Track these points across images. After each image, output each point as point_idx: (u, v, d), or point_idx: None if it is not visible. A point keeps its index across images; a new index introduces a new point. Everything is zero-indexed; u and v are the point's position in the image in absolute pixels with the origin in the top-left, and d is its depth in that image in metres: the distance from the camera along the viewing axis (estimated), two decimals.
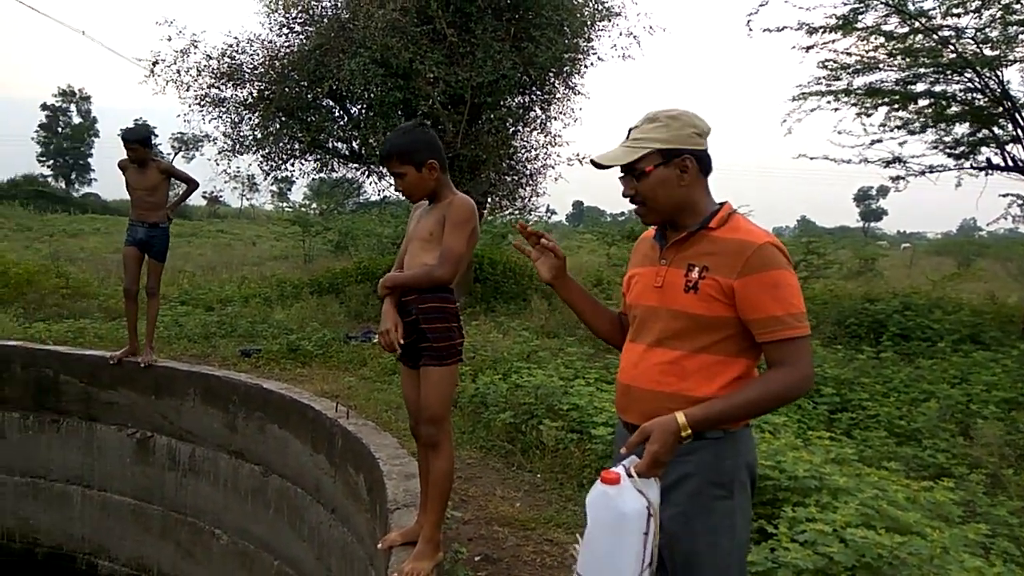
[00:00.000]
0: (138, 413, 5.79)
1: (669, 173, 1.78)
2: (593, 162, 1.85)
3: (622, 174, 1.85)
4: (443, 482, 2.67)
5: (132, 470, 5.80)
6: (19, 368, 6.18)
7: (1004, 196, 10.13)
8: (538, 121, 11.11)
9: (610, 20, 10.27)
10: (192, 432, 5.56)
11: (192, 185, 6.06)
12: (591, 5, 10.27)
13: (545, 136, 11.27)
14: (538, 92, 10.75)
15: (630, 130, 1.86)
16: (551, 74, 10.27)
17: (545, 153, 11.33)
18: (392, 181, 2.76)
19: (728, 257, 1.71)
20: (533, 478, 4.42)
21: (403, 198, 11.09)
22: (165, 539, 5.63)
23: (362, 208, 22.51)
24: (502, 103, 10.29)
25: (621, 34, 10.60)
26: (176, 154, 49.68)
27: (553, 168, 11.44)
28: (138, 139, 5.72)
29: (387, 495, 3.14)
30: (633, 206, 1.87)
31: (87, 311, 8.79)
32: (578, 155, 11.07)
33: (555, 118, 11.12)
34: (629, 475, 1.59)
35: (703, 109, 1.88)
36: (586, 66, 10.62)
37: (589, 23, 10.06)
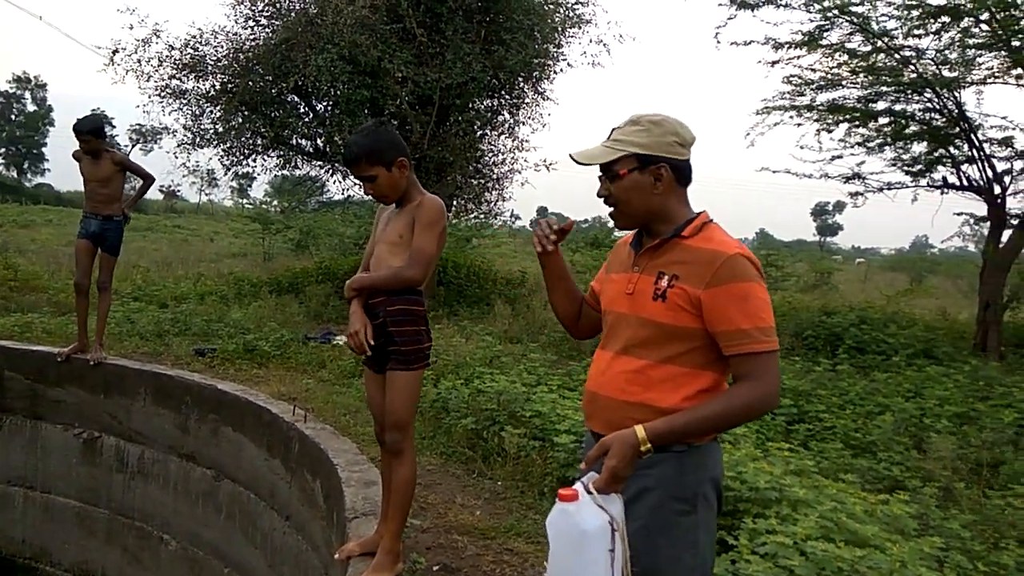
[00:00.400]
0: (86, 412, 5.59)
1: (643, 179, 1.75)
2: (572, 157, 1.83)
3: (600, 173, 1.82)
4: (405, 490, 2.60)
5: (78, 471, 5.59)
6: None
7: (959, 215, 10.40)
8: (506, 125, 11.12)
9: (580, 27, 10.31)
10: (142, 433, 5.38)
11: (148, 180, 5.88)
12: (562, 11, 10.29)
13: (513, 140, 11.28)
14: (507, 96, 10.74)
15: (613, 130, 1.83)
16: (520, 78, 10.27)
17: (512, 158, 11.34)
18: (360, 184, 2.67)
19: (698, 267, 1.68)
20: (494, 485, 4.37)
21: (367, 198, 10.97)
22: (111, 544, 5.44)
23: (324, 207, 22.24)
24: (470, 106, 10.25)
25: (591, 41, 10.72)
26: (134, 146, 48.54)
27: (520, 173, 11.45)
28: (90, 130, 5.54)
29: (345, 503, 3.06)
30: (607, 208, 1.84)
31: (36, 305, 8.50)
32: (545, 160, 11.10)
33: (523, 123, 11.14)
34: (588, 491, 1.54)
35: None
36: (556, 72, 10.66)
37: (559, 29, 10.08)
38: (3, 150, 56.67)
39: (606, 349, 1.84)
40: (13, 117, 57.39)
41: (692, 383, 1.71)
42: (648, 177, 1.75)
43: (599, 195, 1.84)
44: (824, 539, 2.90)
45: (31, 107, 58.39)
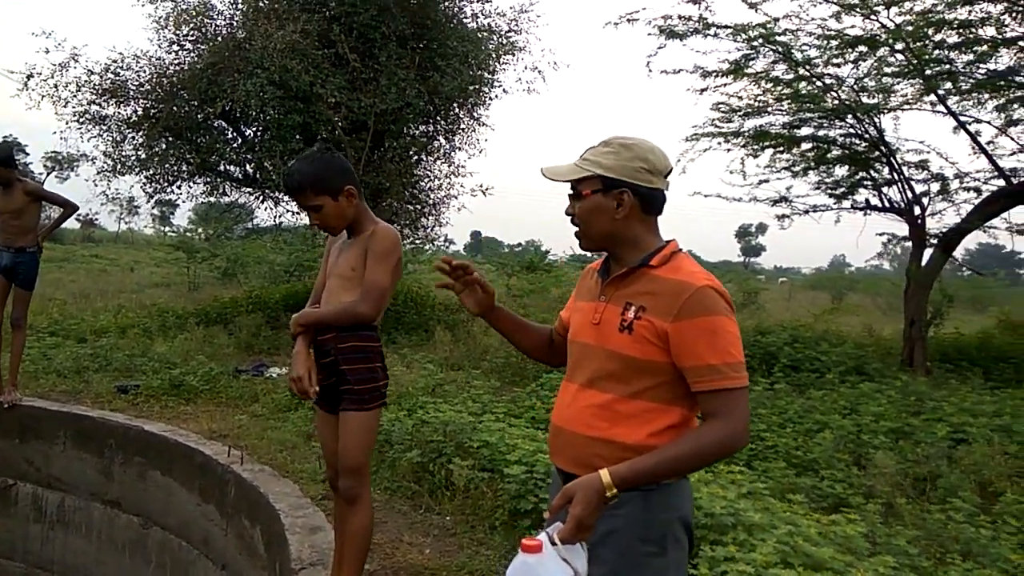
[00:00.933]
0: None
1: (606, 202, 1.70)
2: (542, 171, 1.79)
3: (570, 191, 1.77)
4: (361, 539, 2.46)
5: None
6: None
7: (880, 235, 10.84)
8: (442, 151, 11.08)
9: (514, 54, 10.39)
10: (61, 479, 5.01)
11: (69, 208, 5.57)
12: (496, 39, 10.35)
13: (449, 166, 11.25)
14: (443, 122, 10.72)
15: (587, 149, 1.77)
16: (456, 104, 10.27)
17: (448, 183, 11.30)
18: (299, 212, 2.53)
19: (665, 298, 1.62)
20: (443, 521, 4.22)
21: (299, 224, 10.68)
22: None
23: (252, 234, 21.67)
24: (406, 131, 10.17)
25: (526, 68, 10.79)
26: (49, 174, 46.45)
27: (456, 198, 11.41)
28: (2, 159, 5.22)
29: (290, 552, 2.87)
30: (573, 228, 1.79)
31: None
32: (482, 186, 11.09)
33: (459, 148, 11.13)
34: (553, 542, 1.46)
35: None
36: (491, 98, 10.71)
37: (494, 56, 10.13)
38: None
39: (572, 381, 1.77)
40: None
41: (660, 419, 1.65)
42: (611, 201, 1.69)
43: (567, 213, 1.79)
44: (783, 564, 2.89)
45: None
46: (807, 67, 9.03)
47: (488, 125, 11.09)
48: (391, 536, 3.97)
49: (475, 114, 10.86)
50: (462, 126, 11.00)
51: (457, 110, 10.61)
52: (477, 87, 10.12)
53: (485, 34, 10.30)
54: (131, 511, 4.72)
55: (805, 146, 10.14)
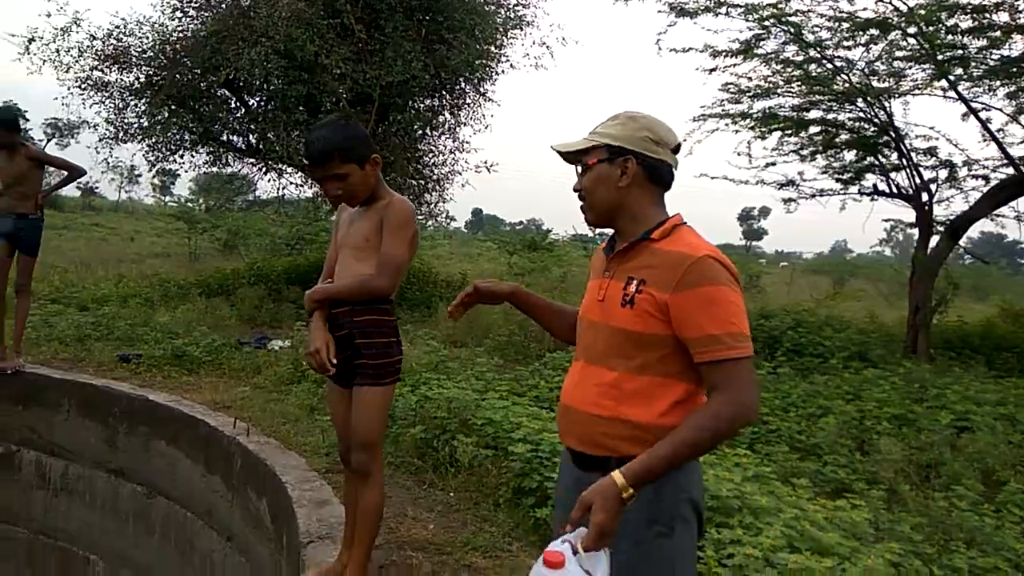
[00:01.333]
0: (2, 425, 5.18)
1: (610, 171, 1.70)
2: (552, 147, 1.80)
3: (578, 168, 1.79)
4: (373, 516, 2.44)
5: None
6: None
7: (886, 221, 10.81)
8: (447, 126, 10.96)
9: (522, 29, 10.26)
10: (65, 447, 5.01)
11: (75, 172, 5.52)
12: (503, 12, 10.21)
13: (454, 141, 11.13)
14: (448, 96, 10.60)
15: (597, 125, 1.79)
16: (462, 79, 10.15)
17: (453, 159, 11.20)
18: (304, 184, 2.46)
19: (665, 270, 1.61)
20: (446, 497, 4.22)
21: (301, 196, 10.51)
22: (31, 566, 5.04)
23: (253, 206, 21.59)
24: (411, 105, 10.07)
25: (534, 43, 10.65)
26: (49, 141, 46.11)
27: (460, 174, 11.31)
28: (6, 122, 5.16)
29: (298, 525, 2.86)
30: (580, 202, 1.80)
31: None
32: (486, 162, 11.00)
33: (465, 124, 11.02)
34: (575, 551, 1.44)
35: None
36: (498, 73, 10.58)
37: (502, 30, 9.99)
38: None
39: (578, 360, 1.77)
40: None
41: (666, 395, 1.63)
42: (615, 169, 1.70)
43: (574, 189, 1.80)
44: (790, 548, 2.89)
45: None
46: (818, 49, 8.95)
47: (494, 101, 10.98)
48: (395, 511, 3.97)
49: (481, 89, 10.73)
50: (468, 101, 10.88)
51: (463, 85, 10.50)
52: (484, 61, 9.99)
53: (493, 7, 10.16)
54: (135, 480, 4.72)
55: (813, 129, 10.08)
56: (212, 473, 4.18)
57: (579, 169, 1.77)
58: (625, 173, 1.69)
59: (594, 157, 1.72)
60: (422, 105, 10.46)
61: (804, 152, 10.30)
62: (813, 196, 10.44)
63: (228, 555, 3.90)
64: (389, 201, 2.41)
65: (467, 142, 11.19)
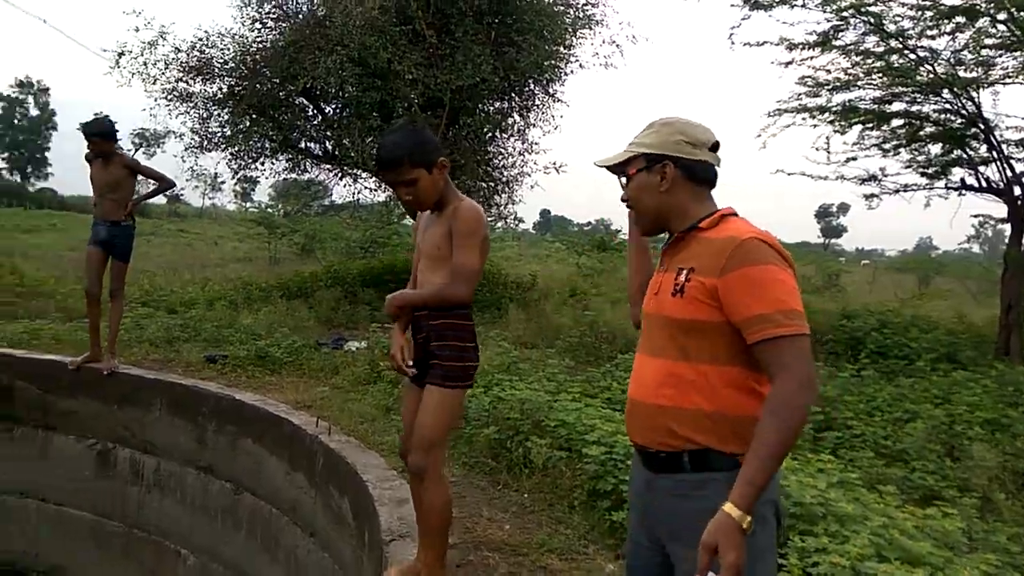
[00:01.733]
0: (99, 423, 5.47)
1: (650, 178, 1.75)
2: (595, 163, 1.87)
3: (621, 179, 1.84)
4: (437, 515, 2.45)
5: (91, 484, 5.46)
6: None
7: (975, 216, 10.30)
8: (516, 128, 11.02)
9: (592, 28, 10.22)
10: (157, 445, 5.25)
11: (165, 183, 5.77)
12: (572, 12, 10.20)
13: (523, 143, 11.18)
14: (517, 98, 10.66)
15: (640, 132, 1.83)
16: (531, 80, 10.20)
17: (522, 160, 11.24)
18: (378, 189, 2.49)
19: (712, 256, 1.62)
20: (520, 498, 4.24)
21: (375, 201, 10.75)
22: (127, 559, 5.30)
23: (328, 210, 22.15)
24: (480, 108, 10.16)
25: (603, 42, 10.58)
26: (137, 150, 48.52)
27: (529, 176, 11.35)
28: (99, 132, 5.43)
29: (380, 523, 2.93)
30: (632, 212, 1.87)
31: (43, 311, 8.40)
32: (555, 163, 11.00)
33: (534, 125, 11.06)
34: None
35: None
36: (567, 73, 10.58)
37: (571, 30, 9.98)
38: (6, 154, 56.58)
39: (640, 353, 1.79)
40: (16, 122, 57.38)
41: (725, 383, 1.62)
42: (655, 176, 1.74)
43: (622, 200, 1.85)
44: (878, 557, 2.79)
45: (34, 111, 58.41)
46: (900, 39, 8.59)
47: (563, 101, 10.98)
48: (471, 511, 4.01)
49: (550, 90, 10.76)
50: (537, 102, 10.92)
51: (532, 86, 10.54)
52: (553, 62, 10.02)
53: (562, 7, 10.16)
54: (223, 477, 4.91)
55: (896, 122, 9.69)
56: (296, 471, 4.31)
57: (623, 180, 1.82)
58: (664, 178, 1.73)
59: (634, 167, 1.77)
60: (491, 108, 10.55)
61: (886, 146, 9.91)
62: (896, 192, 10.03)
63: (311, 551, 4.02)
64: (456, 207, 2.42)
65: (536, 143, 11.23)
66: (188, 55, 9.71)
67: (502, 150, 11.27)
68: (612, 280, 13.77)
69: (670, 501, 1.67)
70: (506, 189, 11.36)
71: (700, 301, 1.61)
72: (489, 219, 12.20)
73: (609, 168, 1.84)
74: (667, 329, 1.68)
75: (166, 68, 9.77)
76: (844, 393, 5.94)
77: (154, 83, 9.85)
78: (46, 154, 58.70)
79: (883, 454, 4.96)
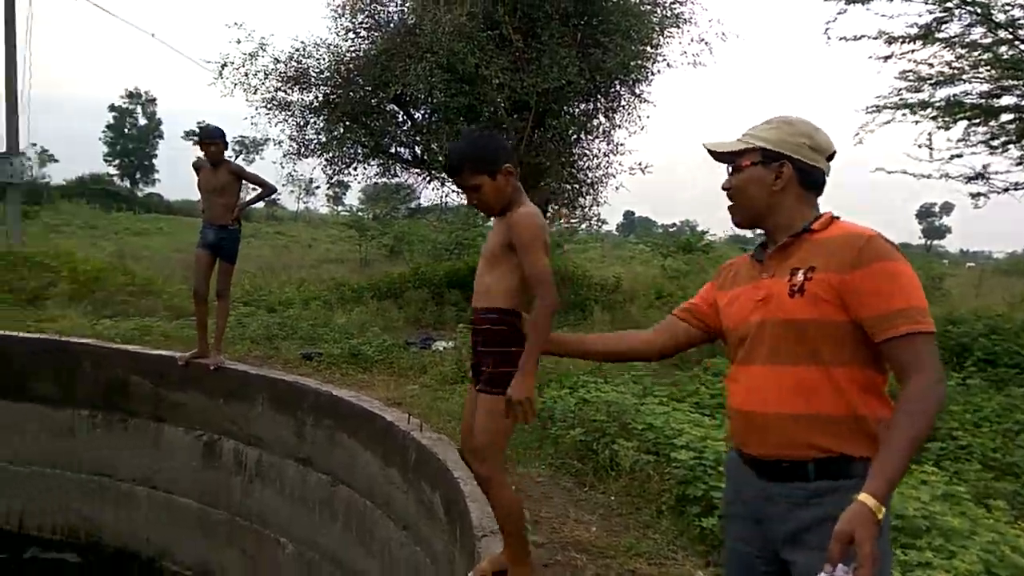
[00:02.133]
0: (206, 416, 5.79)
1: (764, 174, 1.73)
2: (704, 146, 1.84)
3: (729, 166, 1.82)
4: (508, 517, 2.50)
5: (198, 473, 5.79)
6: (89, 366, 6.24)
7: None
8: (601, 129, 10.99)
9: (679, 27, 10.09)
10: (260, 437, 5.51)
11: (267, 189, 6.07)
12: (660, 11, 10.10)
13: (608, 144, 11.14)
14: (603, 99, 10.63)
15: (754, 127, 1.82)
16: (617, 81, 10.15)
17: (607, 162, 11.21)
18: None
19: (836, 254, 1.60)
20: (607, 500, 4.24)
21: (461, 204, 10.97)
22: (230, 545, 5.58)
23: (415, 213, 22.64)
24: (566, 110, 10.18)
25: (692, 40, 10.43)
26: (237, 157, 50.97)
27: (614, 177, 11.31)
28: (214, 136, 5.73)
29: (471, 520, 3.00)
30: (728, 201, 1.82)
31: (153, 309, 8.91)
32: (640, 164, 10.91)
33: (619, 126, 11.01)
34: None
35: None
36: (653, 73, 10.48)
37: (658, 29, 9.89)
38: (117, 161, 60.28)
39: (749, 364, 1.73)
40: (126, 131, 61.06)
41: (853, 385, 1.59)
42: (770, 173, 1.72)
43: (723, 187, 1.82)
44: (987, 575, 2.67)
45: (142, 120, 62.05)
46: (1009, 30, 8.11)
47: (650, 101, 10.89)
48: (558, 511, 4.04)
49: (636, 90, 10.69)
50: (623, 103, 10.87)
51: (618, 87, 10.49)
52: (639, 63, 9.94)
53: (649, 7, 10.08)
54: (321, 470, 5.11)
55: (1006, 117, 9.13)
56: (389, 466, 4.44)
57: (730, 169, 1.81)
58: (780, 177, 1.72)
59: (748, 159, 1.75)
60: (577, 110, 10.56)
61: (995, 143, 9.36)
62: (1006, 190, 9.44)
63: (404, 544, 4.13)
64: (512, 214, 2.39)
65: (621, 144, 11.18)
66: (286, 65, 10.14)
67: (587, 152, 11.27)
68: (698, 282, 13.48)
69: (792, 510, 1.64)
70: (591, 191, 11.36)
71: (824, 300, 1.59)
72: (573, 220, 12.25)
73: (715, 155, 1.83)
74: (790, 333, 1.64)
75: (266, 78, 10.23)
76: (949, 403, 5.66)
77: (255, 93, 10.34)
78: (153, 161, 62.23)
79: (992, 467, 4.71)
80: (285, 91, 10.32)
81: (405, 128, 10.80)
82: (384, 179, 12.14)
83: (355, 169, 11.09)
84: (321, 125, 10.45)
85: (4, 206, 14.62)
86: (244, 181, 5.99)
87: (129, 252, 15.69)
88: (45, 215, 21.94)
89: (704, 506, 3.70)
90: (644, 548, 3.61)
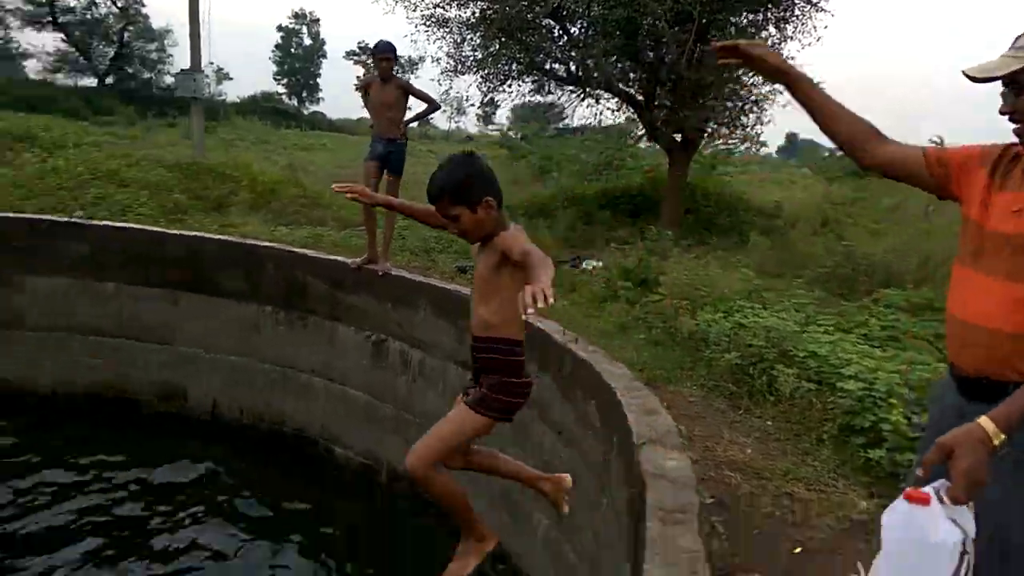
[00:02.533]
0: (375, 318, 6.21)
1: None
2: (965, 73, 1.61)
3: (1003, 88, 1.59)
4: (452, 506, 2.58)
5: (368, 370, 6.26)
6: (272, 268, 6.82)
7: None
8: (771, 42, 10.25)
9: None
10: (423, 340, 5.86)
11: (433, 105, 6.23)
12: None
13: None
14: (774, 8, 9.89)
15: (1017, 38, 1.58)
16: None
17: None
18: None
19: None
20: (763, 424, 4.18)
21: (617, 122, 10.70)
22: (396, 435, 6.04)
23: (562, 133, 22.42)
24: (733, 21, 9.58)
25: None
26: None
27: (781, 94, 10.57)
28: (392, 50, 5.94)
29: (630, 429, 3.07)
30: (1012, 125, 1.60)
31: (322, 220, 9.50)
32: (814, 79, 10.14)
33: (791, 38, 10.22)
34: (940, 499, 1.35)
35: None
36: None
37: None
38: (285, 80, 63.47)
39: (980, 271, 1.63)
40: (292, 50, 63.92)
41: None
42: None
43: (1002, 112, 1.61)
44: None
45: (307, 41, 64.65)
46: None
47: (827, 11, 9.99)
48: (711, 431, 4.02)
49: None
50: (796, 12, 10.05)
51: None
52: None
53: None
54: None
55: None
56: (544, 371, 4.60)
57: (1003, 89, 1.60)
58: None
59: None
60: (745, 20, 9.91)
61: None
62: None
63: (558, 447, 4.32)
64: (498, 237, 2.36)
65: (792, 58, 10.37)
66: None
67: None
68: (869, 210, 12.60)
69: None
70: (755, 108, 10.71)
71: None
72: (733, 141, 11.67)
73: (978, 79, 1.61)
74: None
75: None
76: None
77: (414, 10, 10.50)
78: (317, 80, 64.95)
79: None
80: (444, 7, 10.41)
81: (560, 44, 10.59)
82: (538, 97, 12.07)
83: (509, 86, 11.09)
84: (477, 41, 10.47)
85: (188, 120, 15.85)
86: (412, 97, 6.18)
87: (298, 166, 16.65)
88: (222, 130, 23.49)
89: (871, 437, 3.58)
90: (803, 473, 3.56)
